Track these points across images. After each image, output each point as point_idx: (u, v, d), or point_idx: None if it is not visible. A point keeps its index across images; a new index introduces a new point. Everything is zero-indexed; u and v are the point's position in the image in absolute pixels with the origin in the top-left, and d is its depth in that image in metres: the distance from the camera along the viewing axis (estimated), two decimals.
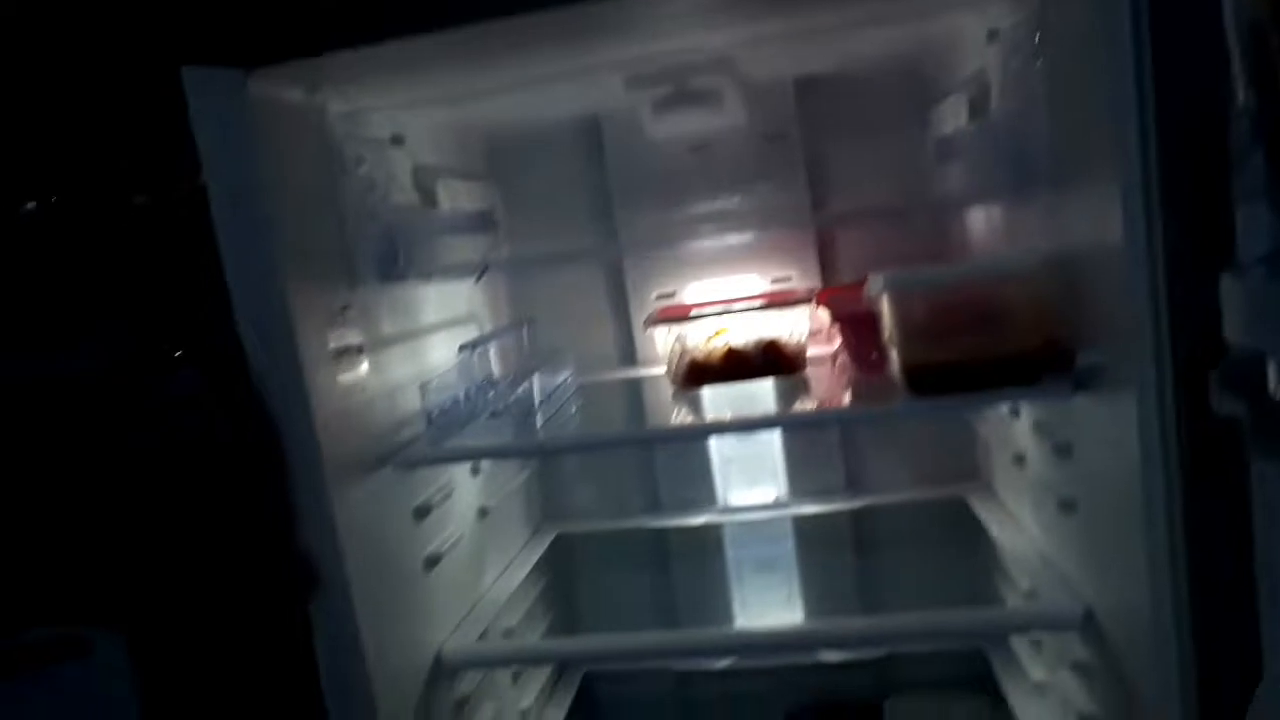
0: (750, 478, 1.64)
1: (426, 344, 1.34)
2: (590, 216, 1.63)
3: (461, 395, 1.29)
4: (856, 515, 1.59)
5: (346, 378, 1.10)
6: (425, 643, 1.20)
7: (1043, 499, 1.20)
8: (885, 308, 1.10)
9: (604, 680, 1.72)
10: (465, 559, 1.37)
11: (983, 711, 1.52)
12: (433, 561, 1.24)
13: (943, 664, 1.59)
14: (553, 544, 1.67)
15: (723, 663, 1.66)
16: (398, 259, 1.22)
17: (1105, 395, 0.95)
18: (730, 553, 1.65)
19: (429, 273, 1.26)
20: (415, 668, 1.17)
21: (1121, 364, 0.90)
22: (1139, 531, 0.89)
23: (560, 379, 1.40)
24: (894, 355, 1.09)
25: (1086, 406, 1.01)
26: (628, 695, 1.73)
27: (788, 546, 1.63)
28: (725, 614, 1.68)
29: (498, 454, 1.17)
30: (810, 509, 1.58)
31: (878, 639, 1.13)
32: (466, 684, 1.28)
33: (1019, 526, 1.36)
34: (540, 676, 1.59)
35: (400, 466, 1.17)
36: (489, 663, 1.25)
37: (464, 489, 1.39)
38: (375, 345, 1.18)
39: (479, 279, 1.21)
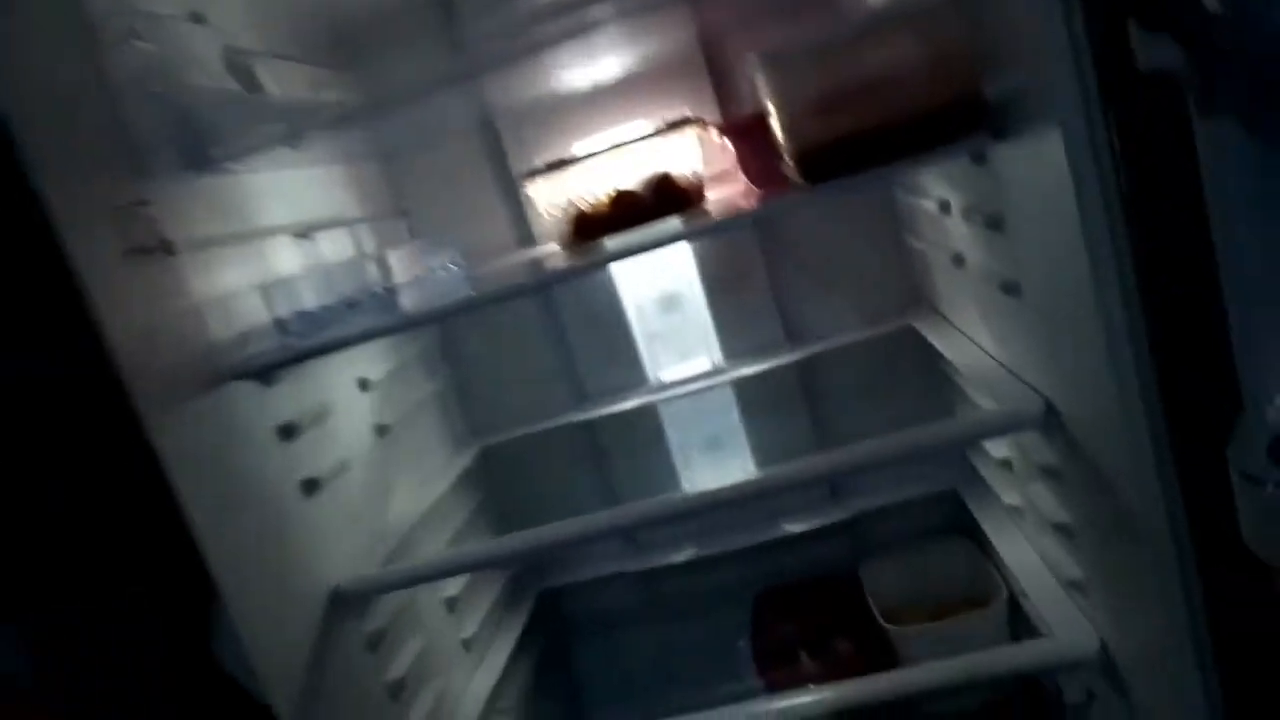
0: (680, 350, 1.48)
1: (274, 246, 1.16)
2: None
3: (321, 297, 1.13)
4: (802, 369, 1.44)
5: (152, 282, 0.93)
6: (315, 575, 1.05)
7: (987, 294, 1.05)
8: (769, 93, 0.92)
9: (562, 596, 1.59)
10: (364, 482, 1.21)
11: (961, 554, 1.40)
12: (312, 486, 1.08)
13: (916, 515, 1.46)
14: (479, 458, 1.52)
15: (683, 555, 1.52)
16: (204, 147, 1.04)
17: (1028, 136, 0.79)
18: (672, 435, 1.50)
19: (247, 159, 1.08)
20: (304, 602, 1.02)
21: (1042, 89, 0.74)
22: (1085, 284, 0.74)
23: (439, 263, 1.23)
24: (786, 146, 0.92)
25: (1011, 164, 0.85)
26: (588, 607, 1.60)
27: (733, 417, 1.48)
28: None
29: (352, 341, 1.00)
30: (750, 370, 1.42)
31: (837, 471, 0.98)
32: (380, 618, 1.14)
33: (971, 342, 1.21)
34: (484, 601, 1.45)
35: (242, 377, 1.00)
36: (394, 585, 1.10)
37: (350, 406, 1.23)
38: (194, 245, 1.00)
39: (297, 144, 1.03)
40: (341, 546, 1.12)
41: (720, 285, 1.46)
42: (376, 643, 1.13)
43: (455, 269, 1.21)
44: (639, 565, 1.54)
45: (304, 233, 1.22)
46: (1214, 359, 0.69)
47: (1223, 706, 0.80)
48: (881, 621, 1.32)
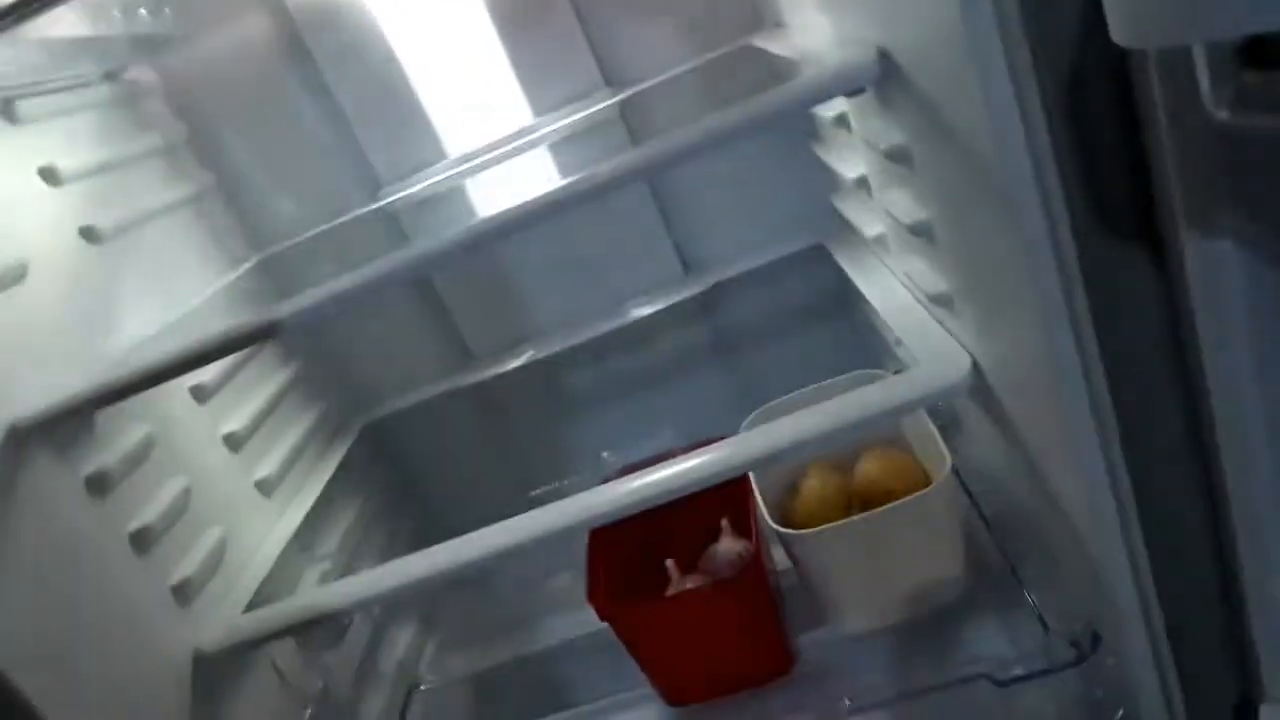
0: (480, 110, 1.22)
1: None
2: None
3: None
4: (627, 111, 1.18)
5: None
6: None
7: None
8: None
9: (388, 426, 1.37)
10: (62, 296, 0.94)
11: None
12: None
13: (780, 281, 1.26)
14: (256, 272, 1.25)
15: (519, 359, 1.31)
16: None
17: None
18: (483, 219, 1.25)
19: None
20: None
21: None
22: None
23: None
24: None
25: None
26: (422, 435, 1.38)
27: (555, 179, 1.23)
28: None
29: None
30: (564, 122, 1.17)
31: (661, 161, 0.74)
32: (102, 456, 0.89)
33: (811, 36, 0.97)
34: (285, 439, 1.21)
35: None
36: (85, 405, 0.85)
37: (28, 199, 0.94)
38: None
39: None
40: (27, 375, 0.86)
41: (516, 27, 1.18)
42: (103, 487, 0.89)
43: None
44: (473, 378, 1.32)
45: None
46: None
47: (1116, 422, 0.61)
48: (773, 525, 0.97)
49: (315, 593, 0.99)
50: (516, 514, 0.88)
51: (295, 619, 0.90)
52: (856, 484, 1.04)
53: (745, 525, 1.04)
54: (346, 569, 1.22)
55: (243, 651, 0.92)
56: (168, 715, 0.86)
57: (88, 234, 1.01)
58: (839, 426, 0.81)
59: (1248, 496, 0.56)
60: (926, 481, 0.99)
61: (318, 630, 1.02)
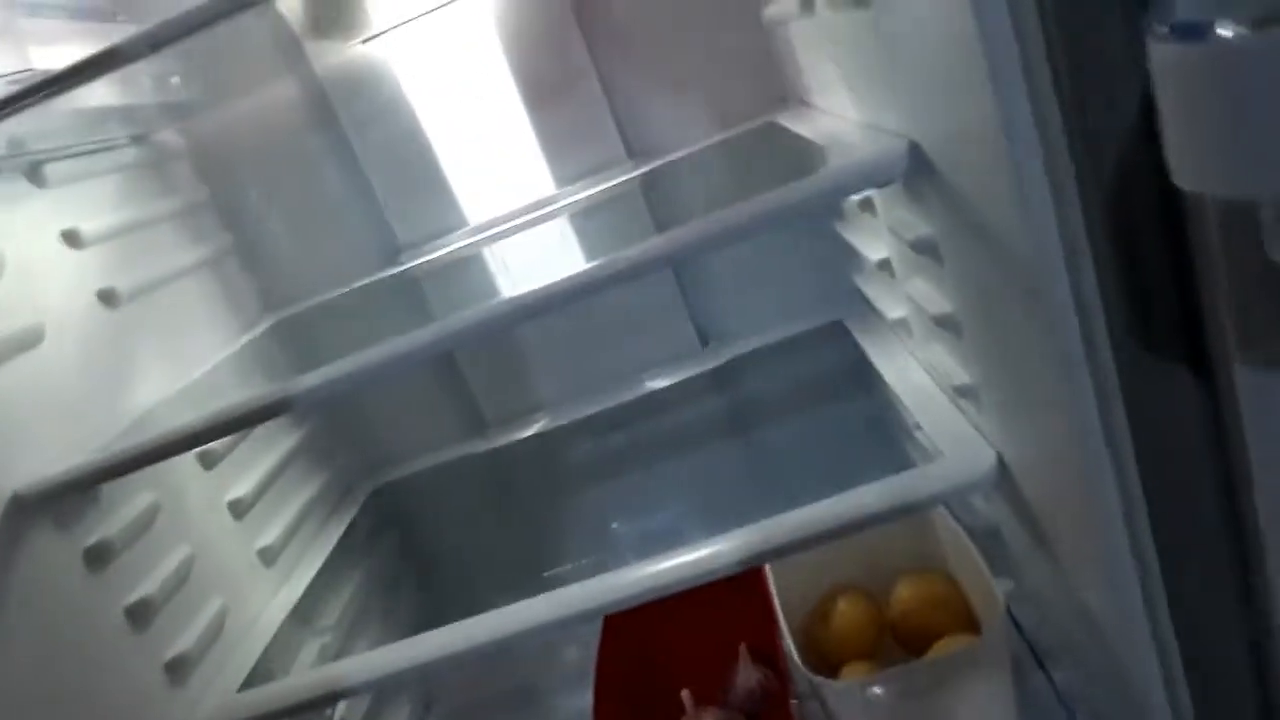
0: (502, 179, 1.22)
1: None
2: None
3: None
4: (647, 186, 1.18)
5: None
6: None
7: (842, 28, 0.80)
8: None
9: (399, 492, 1.34)
10: (78, 359, 0.94)
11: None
12: None
13: (799, 358, 1.24)
14: (271, 333, 1.24)
15: (534, 427, 1.29)
16: None
17: None
18: (504, 283, 1.25)
19: None
20: None
21: None
22: None
23: None
24: None
25: None
26: (433, 500, 1.36)
27: (574, 251, 1.23)
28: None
29: None
30: (586, 194, 1.16)
31: (688, 248, 0.73)
32: (104, 527, 0.88)
33: (835, 119, 0.96)
34: (290, 505, 1.19)
35: None
36: (89, 480, 0.84)
37: (48, 263, 0.94)
38: None
39: None
40: (37, 439, 0.85)
41: (543, 99, 1.18)
42: (103, 558, 0.87)
43: None
44: (484, 446, 1.30)
45: None
46: None
47: (1153, 542, 0.57)
48: (805, 671, 0.88)
49: (314, 673, 0.95)
50: (524, 586, 0.86)
51: (292, 700, 0.87)
52: (891, 611, 1.00)
53: (763, 652, 0.99)
54: (345, 640, 1.19)
55: None
56: None
57: (105, 297, 1.01)
58: (857, 517, 0.78)
59: None
60: (966, 609, 0.94)
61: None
